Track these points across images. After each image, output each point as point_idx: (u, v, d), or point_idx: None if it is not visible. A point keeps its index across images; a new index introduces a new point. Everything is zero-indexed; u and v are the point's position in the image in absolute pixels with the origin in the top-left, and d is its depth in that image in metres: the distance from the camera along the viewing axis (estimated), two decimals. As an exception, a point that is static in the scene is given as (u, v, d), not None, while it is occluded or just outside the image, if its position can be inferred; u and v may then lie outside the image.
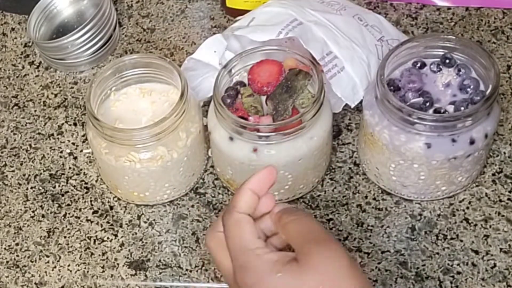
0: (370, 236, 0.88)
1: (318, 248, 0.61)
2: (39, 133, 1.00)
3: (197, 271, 0.87)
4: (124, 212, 0.92)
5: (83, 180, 0.95)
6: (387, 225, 0.88)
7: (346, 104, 0.93)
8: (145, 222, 0.91)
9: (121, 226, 0.91)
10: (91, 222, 0.92)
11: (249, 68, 0.87)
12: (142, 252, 0.89)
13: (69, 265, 0.89)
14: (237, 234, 0.65)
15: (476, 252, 0.86)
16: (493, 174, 0.91)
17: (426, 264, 0.85)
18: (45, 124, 1.01)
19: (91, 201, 0.93)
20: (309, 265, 0.61)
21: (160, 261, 0.88)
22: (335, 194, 0.91)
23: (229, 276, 0.66)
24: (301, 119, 0.82)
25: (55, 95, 1.03)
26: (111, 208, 0.93)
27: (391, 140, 0.84)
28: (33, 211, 0.93)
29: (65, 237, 0.91)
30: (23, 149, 0.99)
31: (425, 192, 0.88)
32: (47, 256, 0.90)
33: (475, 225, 0.88)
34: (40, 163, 0.97)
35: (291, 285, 0.61)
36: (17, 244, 0.91)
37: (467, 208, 0.89)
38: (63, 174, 0.96)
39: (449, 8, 1.06)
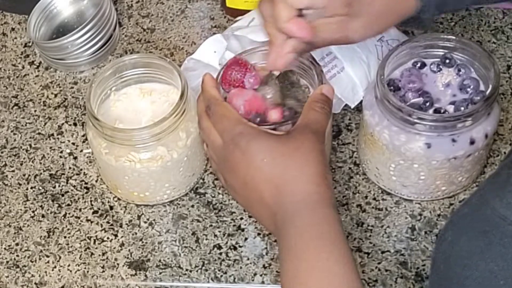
0: (370, 236, 0.88)
1: (311, 134, 0.74)
2: (39, 133, 1.00)
3: (197, 271, 0.87)
4: (124, 212, 0.92)
5: (83, 180, 0.95)
6: (387, 225, 0.88)
7: (346, 104, 0.93)
8: (145, 222, 0.91)
9: (121, 226, 0.91)
10: (91, 222, 0.92)
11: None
12: (142, 252, 0.89)
13: (69, 265, 0.89)
14: (226, 113, 0.76)
15: (476, 252, 0.86)
16: (493, 174, 0.91)
17: (426, 264, 0.85)
18: (45, 124, 1.01)
19: (91, 201, 0.93)
20: (297, 138, 0.73)
21: (160, 261, 0.88)
22: (335, 194, 0.91)
23: (218, 149, 0.76)
24: None
25: (55, 95, 1.03)
26: (111, 208, 0.93)
27: (391, 140, 0.84)
28: (33, 211, 0.93)
29: (65, 237, 0.91)
30: (23, 149, 0.99)
31: (425, 192, 0.88)
32: (47, 256, 0.90)
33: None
34: (40, 163, 0.97)
35: (277, 141, 0.73)
36: (17, 244, 0.91)
37: (467, 208, 0.89)
38: (63, 174, 0.96)
39: (449, 8, 1.06)
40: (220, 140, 0.75)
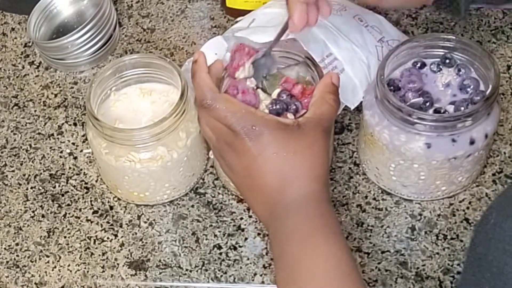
0: (370, 236, 0.88)
1: (323, 132, 0.75)
2: (39, 133, 1.00)
3: (197, 271, 0.87)
4: (124, 212, 0.92)
5: (83, 180, 0.95)
6: (387, 225, 0.88)
7: (346, 105, 0.93)
8: (145, 222, 0.91)
9: (121, 226, 0.91)
10: (91, 222, 0.92)
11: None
12: (142, 252, 0.89)
13: (69, 265, 0.89)
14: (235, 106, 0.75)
15: (476, 252, 0.86)
16: (493, 174, 0.91)
17: (426, 264, 0.85)
18: (45, 124, 1.01)
19: (91, 201, 0.93)
20: (310, 135, 0.74)
21: (160, 261, 0.88)
22: (335, 194, 0.91)
23: (221, 135, 0.76)
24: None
25: (55, 95, 1.03)
26: (111, 208, 0.93)
27: (391, 140, 0.84)
28: (33, 211, 0.93)
29: (65, 237, 0.91)
30: (23, 149, 0.99)
31: (425, 192, 0.88)
32: (47, 256, 0.90)
33: (475, 225, 0.87)
34: (40, 163, 0.97)
35: (289, 136, 0.73)
36: (17, 244, 0.91)
37: (467, 208, 0.89)
38: (63, 174, 0.96)
39: (449, 8, 1.06)
40: (224, 127, 0.75)
